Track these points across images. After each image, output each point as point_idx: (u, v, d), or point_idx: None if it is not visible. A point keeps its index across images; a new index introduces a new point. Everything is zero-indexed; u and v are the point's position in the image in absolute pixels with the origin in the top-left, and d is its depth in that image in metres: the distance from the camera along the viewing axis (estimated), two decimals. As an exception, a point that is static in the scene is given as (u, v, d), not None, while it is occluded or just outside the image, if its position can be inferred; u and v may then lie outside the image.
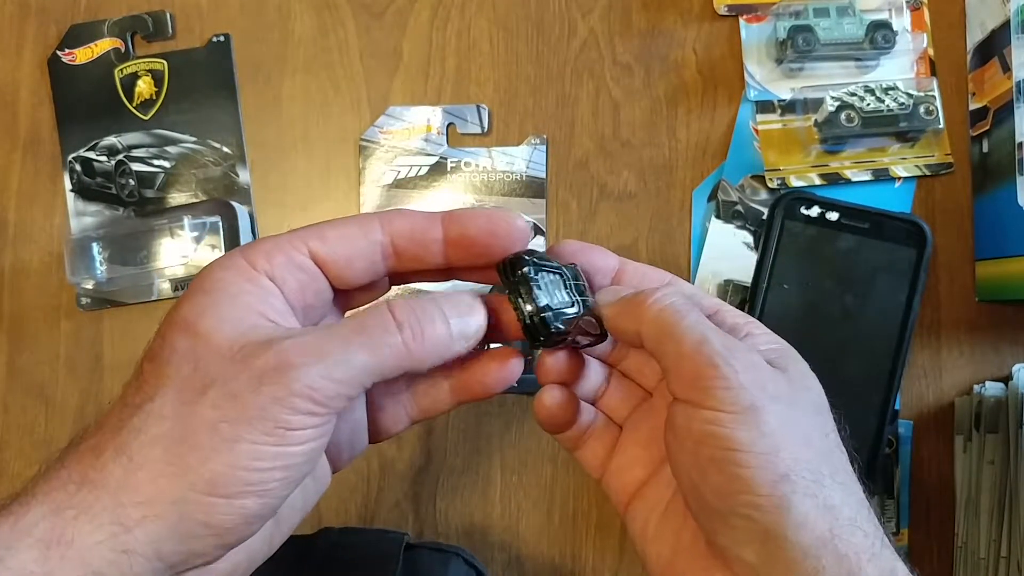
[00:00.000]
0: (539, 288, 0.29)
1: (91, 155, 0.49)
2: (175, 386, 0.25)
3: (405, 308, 0.27)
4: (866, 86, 0.46)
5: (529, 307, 0.28)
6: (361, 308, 0.29)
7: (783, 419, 0.27)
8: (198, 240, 0.47)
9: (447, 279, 0.31)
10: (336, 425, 0.29)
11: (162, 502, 0.24)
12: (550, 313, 0.28)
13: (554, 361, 0.32)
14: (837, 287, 0.39)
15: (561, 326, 0.29)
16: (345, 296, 0.30)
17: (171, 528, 0.24)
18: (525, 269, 0.29)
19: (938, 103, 0.46)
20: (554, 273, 0.29)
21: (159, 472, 0.24)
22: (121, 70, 0.49)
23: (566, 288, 0.29)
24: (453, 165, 0.48)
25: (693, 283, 0.47)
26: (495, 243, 0.29)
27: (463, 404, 0.32)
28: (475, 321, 0.29)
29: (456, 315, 0.28)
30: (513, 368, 0.31)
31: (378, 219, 0.29)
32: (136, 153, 0.49)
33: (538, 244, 0.48)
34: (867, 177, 0.47)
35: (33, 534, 0.23)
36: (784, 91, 0.48)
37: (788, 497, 0.25)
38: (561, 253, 0.31)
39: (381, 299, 0.30)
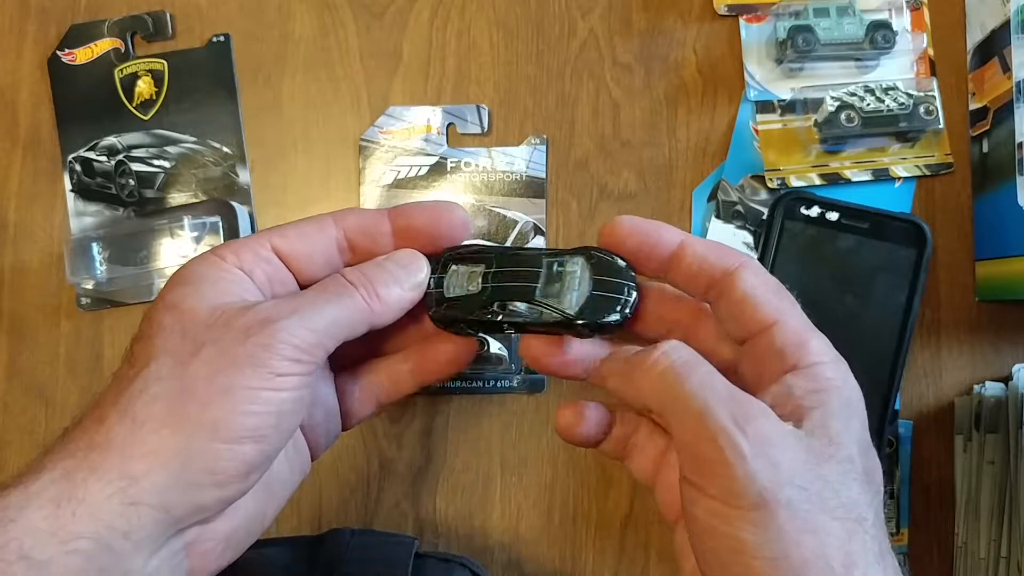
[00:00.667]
0: (451, 278, 0.32)
1: (91, 155, 0.49)
2: (168, 352, 0.27)
3: (354, 271, 0.31)
4: (866, 86, 0.46)
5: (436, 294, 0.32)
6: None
7: (796, 510, 0.24)
8: (198, 240, 0.47)
9: None
10: (312, 410, 0.32)
11: (167, 452, 0.26)
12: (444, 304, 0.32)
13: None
14: (837, 287, 0.39)
15: (449, 314, 0.32)
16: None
17: (176, 477, 0.26)
18: (444, 260, 0.33)
19: (938, 103, 0.46)
20: (475, 264, 0.32)
21: (162, 424, 0.26)
22: (121, 70, 0.49)
23: (479, 278, 0.32)
24: (453, 165, 0.48)
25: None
26: (438, 233, 0.32)
27: (424, 385, 0.35)
28: (419, 270, 0.32)
29: (401, 269, 0.31)
30: (466, 349, 0.34)
31: (331, 216, 0.32)
32: (136, 153, 0.49)
33: (538, 244, 0.48)
34: (867, 177, 0.47)
35: (43, 495, 0.25)
36: (784, 91, 0.48)
37: None
38: (609, 236, 0.32)
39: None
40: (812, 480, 0.25)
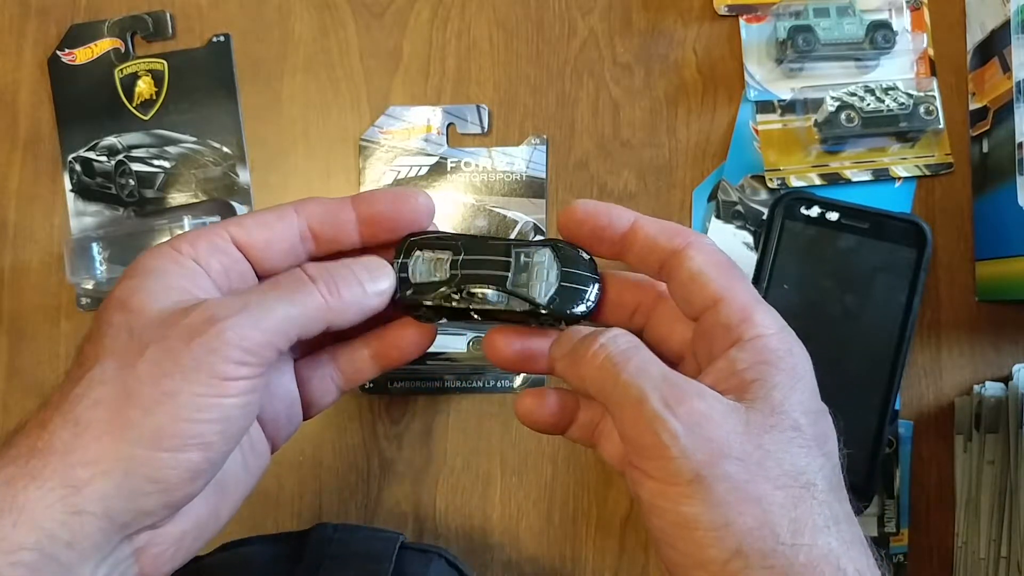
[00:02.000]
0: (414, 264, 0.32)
1: (91, 155, 0.49)
2: (114, 353, 0.26)
3: (318, 267, 0.30)
4: (866, 86, 0.46)
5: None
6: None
7: (734, 481, 0.25)
8: (198, 240, 0.47)
9: None
10: (271, 402, 0.31)
11: (109, 459, 0.25)
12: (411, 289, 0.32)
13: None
14: (837, 287, 0.39)
15: (415, 299, 0.32)
16: None
17: (118, 485, 0.25)
18: (408, 245, 0.32)
19: (938, 103, 0.46)
20: (441, 250, 0.32)
21: (104, 431, 0.25)
22: (121, 70, 0.49)
23: (446, 265, 0.32)
24: (453, 165, 0.48)
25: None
26: (402, 219, 0.32)
27: (385, 371, 0.35)
28: (384, 278, 0.31)
29: (366, 273, 0.30)
30: (425, 334, 0.34)
31: (293, 205, 0.31)
32: (136, 153, 0.49)
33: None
34: (867, 177, 0.47)
35: None
36: (784, 91, 0.48)
37: (741, 574, 0.25)
38: (566, 221, 0.32)
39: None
40: (751, 451, 0.26)
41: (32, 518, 0.24)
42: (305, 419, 0.34)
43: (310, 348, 0.34)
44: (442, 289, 0.32)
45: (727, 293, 0.29)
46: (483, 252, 0.32)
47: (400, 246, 0.32)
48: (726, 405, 0.27)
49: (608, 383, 0.28)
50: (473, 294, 0.32)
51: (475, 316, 0.32)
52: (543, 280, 0.31)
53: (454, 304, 0.31)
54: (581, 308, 0.31)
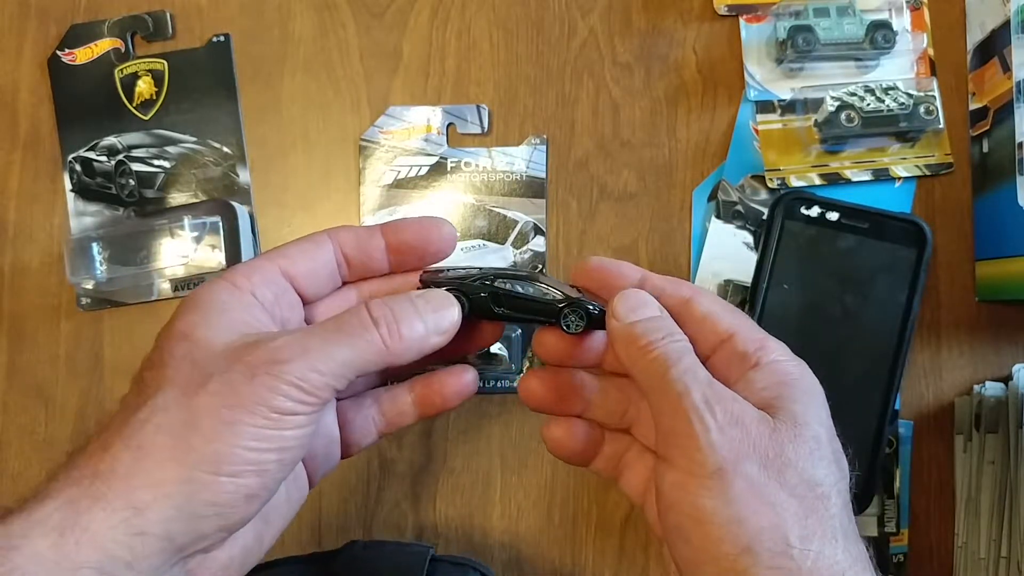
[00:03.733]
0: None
1: (91, 155, 0.49)
2: (177, 383, 0.27)
3: (380, 306, 0.30)
4: (866, 86, 0.46)
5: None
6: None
7: (753, 481, 0.26)
8: (198, 240, 0.47)
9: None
10: (312, 440, 0.31)
11: (171, 483, 0.26)
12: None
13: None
14: (837, 287, 0.39)
15: (442, 280, 0.33)
16: (312, 309, 0.33)
17: (180, 508, 0.26)
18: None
19: (938, 103, 0.46)
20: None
21: (167, 456, 0.26)
22: (121, 70, 0.49)
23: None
24: (453, 165, 0.48)
25: (693, 283, 0.47)
26: (429, 247, 0.33)
27: (425, 418, 0.36)
28: (449, 316, 0.31)
29: (430, 311, 0.31)
30: (468, 381, 0.35)
31: (326, 233, 0.33)
32: (136, 153, 0.49)
33: (538, 244, 0.48)
34: (867, 177, 0.47)
35: (47, 524, 0.25)
36: (784, 91, 0.48)
37: (749, 571, 0.25)
38: (579, 272, 0.34)
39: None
40: (774, 458, 0.27)
41: (95, 538, 0.25)
42: (343, 458, 0.35)
43: (355, 391, 0.36)
44: (475, 282, 0.33)
45: (739, 328, 0.31)
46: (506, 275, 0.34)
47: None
48: (758, 413, 0.28)
49: (657, 375, 0.29)
50: (501, 286, 0.33)
51: (501, 310, 0.32)
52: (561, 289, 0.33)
53: (486, 284, 0.32)
54: (599, 307, 0.32)
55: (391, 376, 0.37)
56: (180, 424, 0.26)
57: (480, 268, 0.34)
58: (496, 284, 0.33)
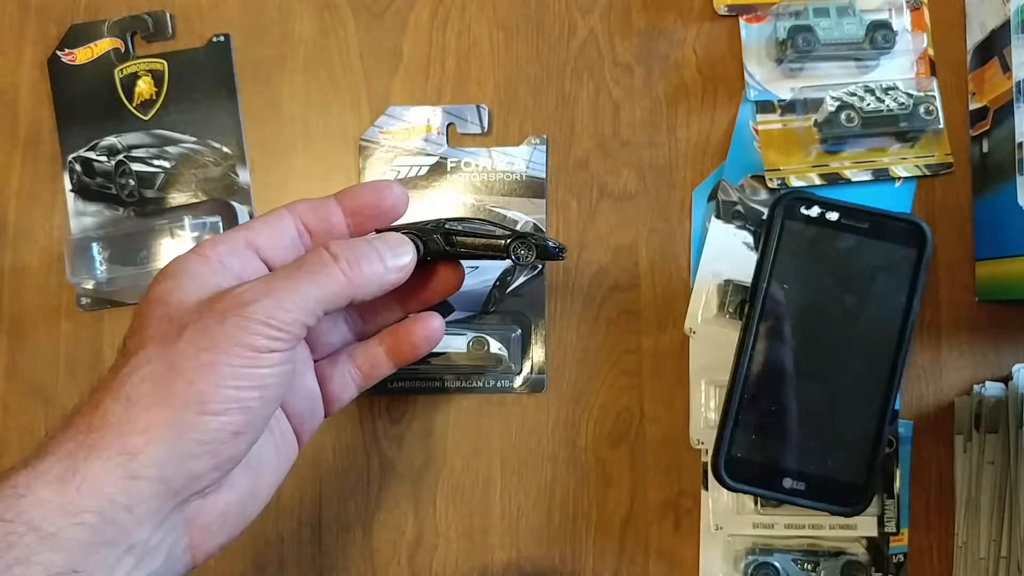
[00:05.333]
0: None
1: (91, 155, 0.49)
2: (156, 338, 0.29)
3: (339, 244, 0.32)
4: (866, 86, 0.46)
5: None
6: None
7: None
8: (198, 240, 0.47)
9: None
10: (294, 398, 0.35)
11: (160, 426, 0.28)
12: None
13: None
14: (837, 287, 0.39)
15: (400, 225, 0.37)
16: None
17: (170, 449, 0.28)
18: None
19: (938, 103, 0.46)
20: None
21: (153, 402, 0.28)
22: (121, 70, 0.49)
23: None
24: (453, 165, 0.48)
25: (693, 283, 0.47)
26: (383, 207, 0.36)
27: (400, 366, 0.38)
28: (404, 252, 0.34)
29: (387, 249, 0.34)
30: (435, 327, 0.38)
31: (285, 207, 0.35)
32: (136, 153, 0.49)
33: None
34: (867, 177, 0.47)
35: (50, 474, 0.27)
36: (784, 91, 0.48)
37: None
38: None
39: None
40: None
41: (93, 484, 0.27)
42: (327, 415, 0.37)
43: (330, 350, 0.38)
44: (427, 226, 0.36)
45: None
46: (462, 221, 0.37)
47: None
48: None
49: None
50: (452, 227, 0.36)
51: (454, 249, 0.36)
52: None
53: (442, 225, 0.36)
54: (556, 242, 0.36)
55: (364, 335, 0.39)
56: (163, 372, 0.28)
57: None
58: (447, 226, 0.36)
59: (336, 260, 0.32)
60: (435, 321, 0.38)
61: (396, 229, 0.36)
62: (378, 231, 0.36)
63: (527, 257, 0.36)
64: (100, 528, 0.26)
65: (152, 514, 0.28)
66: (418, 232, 0.36)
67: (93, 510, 0.26)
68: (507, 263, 0.46)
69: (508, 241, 0.36)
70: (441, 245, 0.36)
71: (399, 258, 0.34)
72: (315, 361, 0.37)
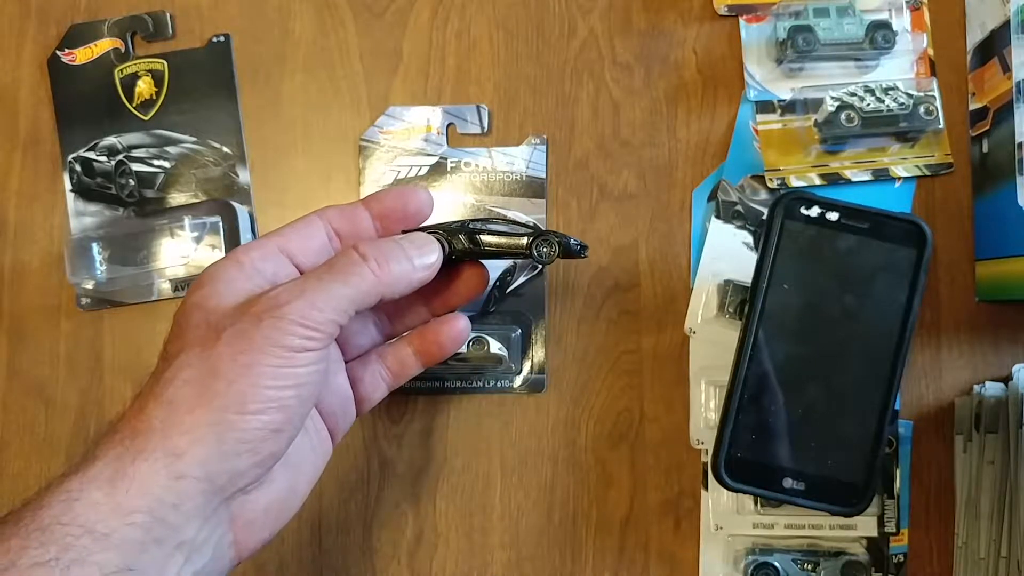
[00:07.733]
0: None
1: (91, 155, 0.49)
2: (195, 343, 0.31)
3: (368, 244, 0.34)
4: (866, 86, 0.46)
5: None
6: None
7: None
8: (198, 240, 0.47)
9: None
10: (327, 397, 0.37)
11: (202, 427, 0.29)
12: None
13: None
14: (837, 287, 0.39)
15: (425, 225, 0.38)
16: None
17: (213, 448, 0.29)
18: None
19: (938, 103, 0.46)
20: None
21: (195, 404, 0.29)
22: (121, 70, 0.49)
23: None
24: (453, 165, 0.48)
25: (693, 283, 0.47)
26: (409, 210, 0.37)
27: (428, 365, 0.40)
28: (431, 251, 0.35)
29: (414, 248, 0.35)
30: (462, 327, 0.39)
31: (315, 213, 0.36)
32: (136, 153, 0.49)
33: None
34: (867, 177, 0.47)
35: (100, 478, 0.28)
36: (784, 91, 0.48)
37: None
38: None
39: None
40: None
41: (142, 486, 0.28)
42: (358, 415, 0.39)
43: (360, 351, 0.39)
44: (452, 226, 0.37)
45: None
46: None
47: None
48: None
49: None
50: (475, 226, 0.37)
51: (479, 248, 0.37)
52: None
53: (466, 225, 0.37)
54: (578, 240, 0.38)
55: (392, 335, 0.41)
56: (203, 375, 0.29)
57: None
58: (471, 226, 0.37)
59: (365, 260, 0.33)
60: (461, 321, 0.39)
61: (423, 230, 0.37)
62: (404, 232, 0.37)
63: (550, 255, 0.37)
64: (151, 527, 0.28)
65: (199, 511, 0.29)
66: (443, 232, 0.37)
67: (143, 510, 0.28)
68: (507, 263, 0.46)
69: (531, 239, 0.37)
70: (465, 244, 0.37)
71: (426, 256, 0.35)
72: (346, 363, 0.38)
